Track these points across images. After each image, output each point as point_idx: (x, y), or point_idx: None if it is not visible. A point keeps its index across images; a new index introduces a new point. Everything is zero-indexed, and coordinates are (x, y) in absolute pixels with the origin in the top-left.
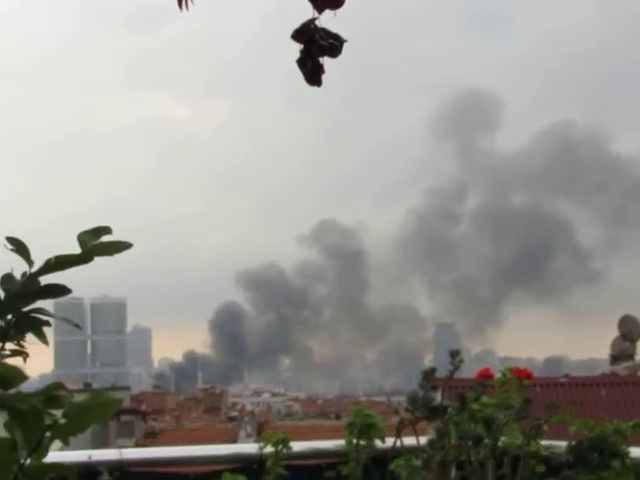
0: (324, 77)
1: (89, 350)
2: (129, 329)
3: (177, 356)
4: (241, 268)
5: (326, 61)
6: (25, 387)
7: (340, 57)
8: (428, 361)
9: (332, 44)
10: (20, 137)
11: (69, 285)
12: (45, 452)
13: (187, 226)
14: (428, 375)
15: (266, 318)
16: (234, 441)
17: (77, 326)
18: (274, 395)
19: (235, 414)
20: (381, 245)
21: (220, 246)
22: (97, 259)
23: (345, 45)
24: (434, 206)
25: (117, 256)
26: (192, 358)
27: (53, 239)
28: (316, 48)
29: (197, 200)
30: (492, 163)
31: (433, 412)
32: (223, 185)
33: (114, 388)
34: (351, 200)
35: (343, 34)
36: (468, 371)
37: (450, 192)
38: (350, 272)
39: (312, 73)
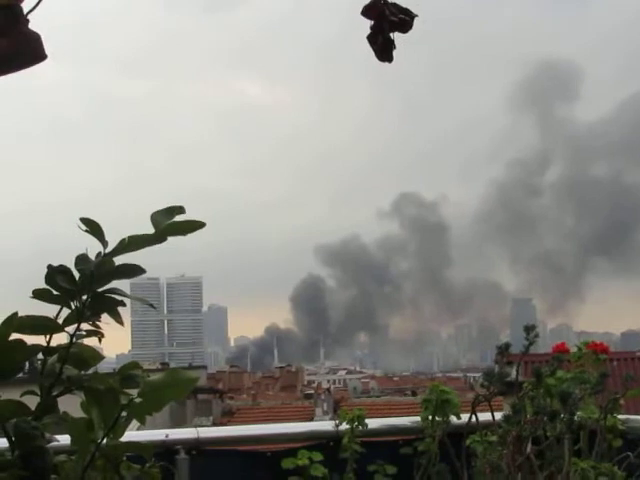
0: (400, 54)
1: (166, 330)
2: (205, 308)
3: (254, 335)
4: (321, 243)
5: (406, 37)
6: (102, 367)
7: (418, 34)
8: (505, 337)
9: (402, 19)
10: (111, 119)
11: (145, 265)
12: (122, 431)
13: (268, 209)
14: (503, 350)
15: (347, 294)
16: (310, 419)
17: (152, 306)
18: (350, 373)
19: (311, 392)
20: (462, 219)
21: (300, 226)
22: (173, 239)
23: (421, 20)
24: (515, 179)
25: (195, 237)
26: (269, 336)
27: (133, 227)
28: (386, 24)
29: (278, 183)
30: (574, 134)
31: (508, 387)
32: (304, 166)
33: (190, 367)
34: (432, 174)
35: (416, 9)
36: (545, 346)
37: (531, 164)
38: (431, 246)
39: (382, 49)
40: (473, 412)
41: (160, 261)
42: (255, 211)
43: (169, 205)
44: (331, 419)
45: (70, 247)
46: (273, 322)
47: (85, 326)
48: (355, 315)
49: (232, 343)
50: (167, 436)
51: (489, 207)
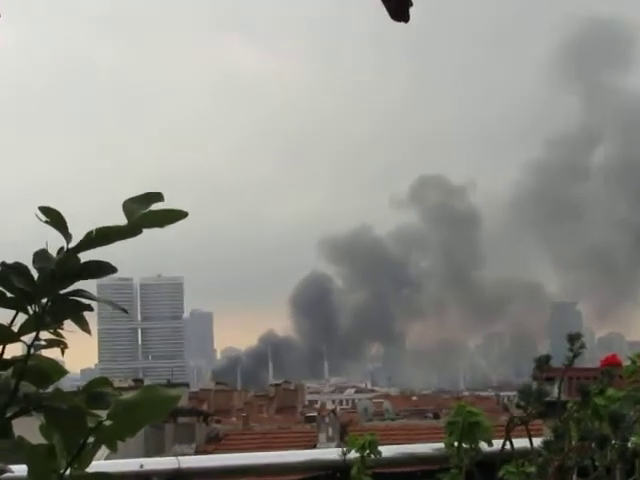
0: (416, 12)
1: (139, 340)
2: (187, 314)
3: (245, 345)
4: (326, 236)
5: None
6: (65, 384)
7: None
8: (544, 348)
9: None
10: (79, 90)
11: (115, 263)
12: (89, 460)
13: (258, 193)
14: (542, 364)
15: (357, 296)
16: (313, 446)
17: (124, 311)
18: (359, 391)
19: (313, 414)
20: (495, 208)
21: (298, 214)
22: (148, 232)
23: None
24: (557, 159)
25: (173, 229)
26: (263, 347)
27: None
28: None
29: (270, 161)
30: (626, 106)
31: (549, 408)
32: (306, 143)
33: (170, 384)
34: (459, 154)
35: None
36: (592, 359)
37: (577, 142)
38: (457, 240)
39: (397, 7)
40: (507, 437)
41: (134, 258)
42: (248, 197)
43: (145, 191)
44: (337, 446)
45: (31, 241)
46: (269, 329)
47: (45, 335)
48: (367, 322)
49: (219, 356)
50: (142, 466)
51: (526, 194)
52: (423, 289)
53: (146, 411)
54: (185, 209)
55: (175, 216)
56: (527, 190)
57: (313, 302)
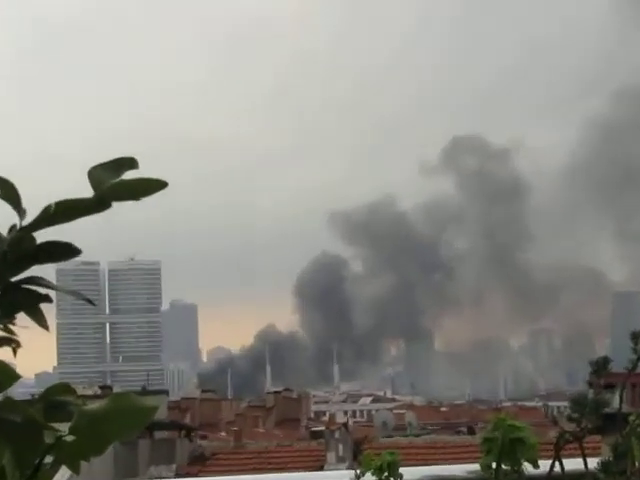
0: None
1: (107, 338)
2: (165, 307)
3: (238, 344)
4: (339, 210)
5: None
6: (17, 392)
7: None
8: (603, 348)
9: None
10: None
11: (79, 244)
12: None
13: (265, 163)
14: (600, 368)
15: (377, 284)
16: (320, 467)
17: (90, 302)
18: (377, 400)
19: (320, 428)
20: (546, 175)
21: (311, 187)
22: (119, 206)
23: None
24: (624, 116)
25: (151, 203)
26: (260, 346)
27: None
28: None
29: (282, 127)
30: None
31: (608, 422)
32: (318, 103)
33: (145, 392)
34: (501, 110)
35: None
36: None
37: None
38: (500, 215)
39: None
40: (557, 457)
41: (101, 238)
42: (247, 166)
43: (117, 156)
44: (349, 468)
45: None
46: (268, 325)
47: None
48: (387, 315)
49: (205, 357)
50: None
51: (585, 157)
52: (457, 275)
53: (116, 424)
54: (173, 180)
55: (153, 186)
56: (587, 153)
57: (323, 291)
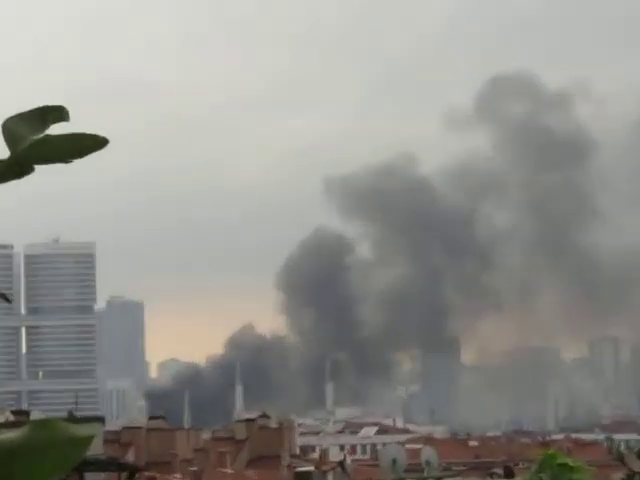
0: None
1: (23, 346)
2: (101, 305)
3: (199, 356)
4: (339, 174)
5: None
6: None
7: None
8: None
9: None
10: None
11: None
12: None
13: (241, 112)
14: None
15: (390, 272)
16: None
17: (5, 298)
18: (384, 430)
19: (309, 468)
20: (615, 127)
21: (302, 145)
22: (43, 171)
23: None
24: None
25: (89, 170)
26: (232, 355)
27: None
28: None
29: (267, 62)
30: None
31: None
32: (313, 33)
33: (74, 419)
34: (555, 42)
35: None
36: None
37: None
38: (553, 182)
39: None
40: None
41: (16, 214)
42: (217, 116)
43: (42, 105)
44: None
45: None
46: (244, 327)
47: None
48: (402, 316)
49: (155, 372)
50: None
51: None
52: (496, 263)
53: (35, 462)
54: (116, 136)
55: (89, 145)
56: None
57: (316, 282)
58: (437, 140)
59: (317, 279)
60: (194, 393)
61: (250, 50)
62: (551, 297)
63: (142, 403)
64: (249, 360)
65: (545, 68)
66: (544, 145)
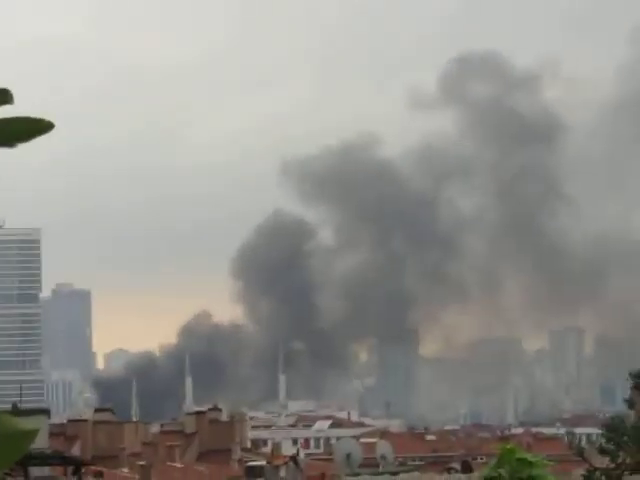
0: None
1: None
2: (46, 294)
3: (148, 346)
4: (297, 153)
5: None
6: None
7: None
8: None
9: None
10: None
11: None
12: None
13: (187, 77)
14: None
15: (349, 259)
16: None
17: None
18: (338, 424)
19: (260, 462)
20: (586, 108)
21: (251, 121)
22: None
23: None
24: None
25: (33, 152)
26: (183, 345)
27: None
28: None
29: (218, 28)
30: None
31: None
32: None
33: (17, 411)
34: (525, 19)
35: None
36: None
37: None
38: (522, 165)
39: None
40: None
41: None
42: (165, 88)
43: None
44: None
45: None
46: (200, 313)
47: None
48: (360, 304)
49: (101, 363)
50: None
51: (637, 83)
52: (460, 251)
53: None
54: (60, 117)
55: (35, 128)
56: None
57: (273, 268)
58: (400, 119)
59: (274, 265)
60: (142, 385)
61: (202, 23)
62: (515, 286)
63: (88, 395)
64: (202, 350)
65: (512, 46)
66: (511, 128)
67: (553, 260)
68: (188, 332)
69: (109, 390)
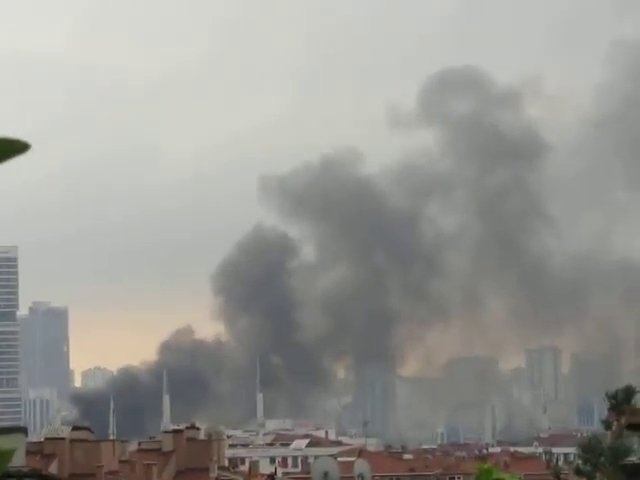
0: None
1: None
2: (23, 312)
3: (127, 362)
4: (276, 171)
5: None
6: None
7: None
8: (631, 372)
9: None
10: None
11: None
12: None
13: (166, 92)
14: (621, 402)
15: (330, 275)
16: None
17: None
18: (316, 443)
19: None
20: (569, 127)
21: (236, 133)
22: None
23: None
24: None
25: (8, 172)
26: (162, 362)
27: None
28: None
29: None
30: None
31: (631, 476)
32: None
33: None
34: (502, 38)
35: None
36: None
37: None
38: (503, 184)
39: None
40: None
41: None
42: (140, 101)
43: None
44: None
45: None
46: (180, 330)
47: None
48: (339, 323)
49: (79, 381)
50: None
51: (618, 104)
52: (440, 269)
53: None
54: (35, 136)
55: (10, 149)
56: (620, 99)
57: (253, 285)
58: (380, 138)
59: (254, 281)
60: (119, 402)
61: (182, 39)
62: (496, 304)
63: (65, 413)
64: (183, 366)
65: (489, 61)
66: (493, 146)
67: (534, 278)
68: (168, 349)
69: (89, 406)
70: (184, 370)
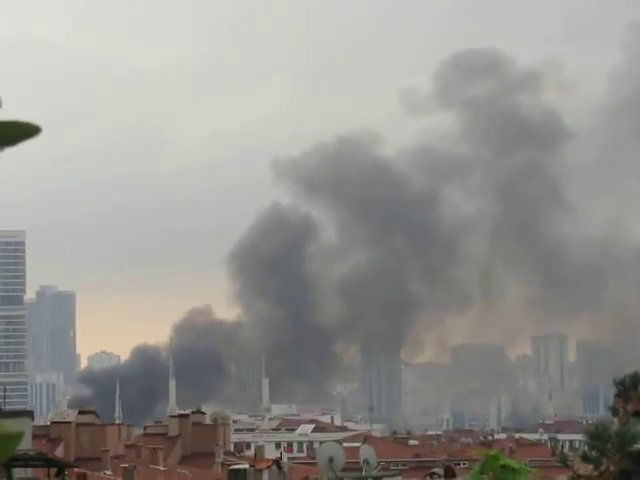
0: None
1: None
2: (30, 296)
3: (134, 344)
4: (289, 155)
5: None
6: None
7: None
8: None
9: None
10: None
11: None
12: None
13: (181, 80)
14: (629, 389)
15: (348, 260)
16: None
17: None
18: (321, 428)
19: (243, 466)
20: (588, 112)
21: (250, 117)
22: None
23: None
24: None
25: (15, 156)
26: (160, 348)
27: None
28: None
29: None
30: None
31: (638, 461)
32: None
33: (1, 413)
34: (526, 15)
35: None
36: None
37: None
38: (521, 168)
39: None
40: None
41: None
42: (150, 89)
43: None
44: None
45: None
46: (192, 308)
47: None
48: (351, 307)
49: (84, 365)
50: None
51: (633, 87)
52: (458, 252)
53: None
54: (44, 120)
55: (21, 132)
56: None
57: (267, 268)
58: (397, 121)
59: (269, 265)
60: (125, 386)
61: (188, 28)
62: (511, 292)
63: (70, 397)
64: (194, 350)
65: (509, 42)
66: (511, 129)
67: (551, 264)
68: (178, 332)
69: (92, 394)
70: (194, 353)
